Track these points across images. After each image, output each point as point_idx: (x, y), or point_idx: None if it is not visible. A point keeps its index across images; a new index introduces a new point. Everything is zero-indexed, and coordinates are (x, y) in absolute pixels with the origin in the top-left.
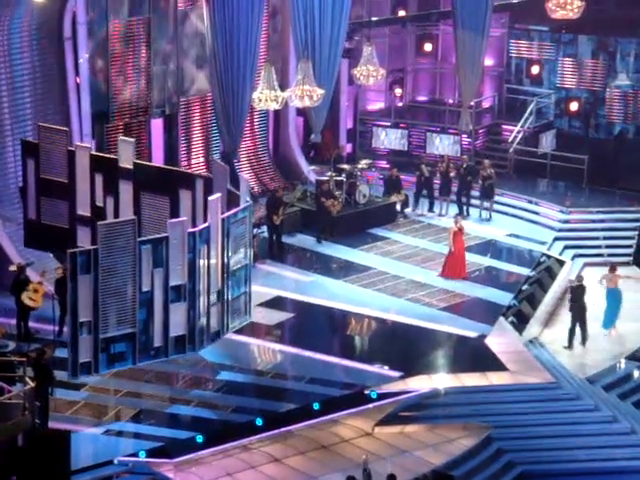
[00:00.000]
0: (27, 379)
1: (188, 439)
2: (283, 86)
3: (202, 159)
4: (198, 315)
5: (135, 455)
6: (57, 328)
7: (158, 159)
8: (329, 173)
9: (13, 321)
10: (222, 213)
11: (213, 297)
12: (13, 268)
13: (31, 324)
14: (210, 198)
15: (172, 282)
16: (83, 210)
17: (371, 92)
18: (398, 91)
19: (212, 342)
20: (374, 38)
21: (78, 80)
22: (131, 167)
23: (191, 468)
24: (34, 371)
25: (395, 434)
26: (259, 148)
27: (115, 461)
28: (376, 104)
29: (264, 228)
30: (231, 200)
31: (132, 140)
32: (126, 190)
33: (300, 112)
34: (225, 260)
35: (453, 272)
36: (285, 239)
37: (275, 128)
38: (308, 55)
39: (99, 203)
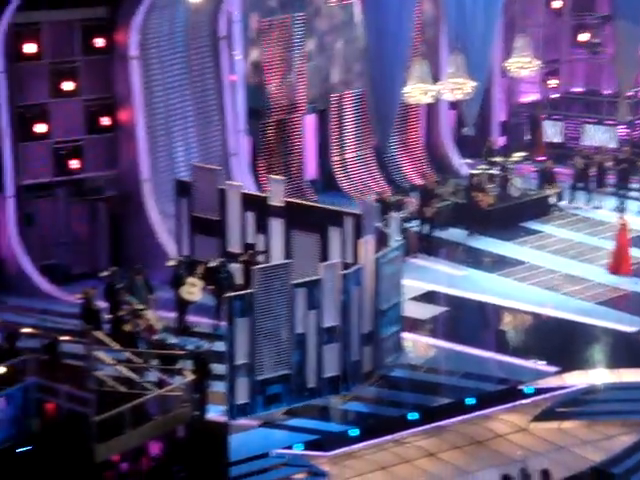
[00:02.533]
0: (186, 372)
1: (343, 432)
2: (435, 79)
3: (354, 154)
4: (351, 356)
5: (291, 448)
6: (215, 321)
7: (311, 155)
8: (481, 166)
9: (172, 315)
10: (373, 253)
11: (365, 337)
12: (171, 263)
13: (189, 317)
14: (361, 240)
15: (326, 323)
16: (233, 247)
17: (525, 84)
18: (553, 82)
19: (364, 382)
20: (528, 28)
21: (233, 78)
22: (282, 205)
23: (345, 461)
24: (193, 364)
25: (552, 430)
26: (412, 142)
27: (271, 453)
28: (530, 96)
29: (415, 222)
30: (381, 239)
31: (282, 179)
32: (276, 227)
33: (453, 105)
34: (377, 300)
35: (617, 268)
36: (437, 233)
37: (428, 122)
38: (460, 48)
39: (250, 240)
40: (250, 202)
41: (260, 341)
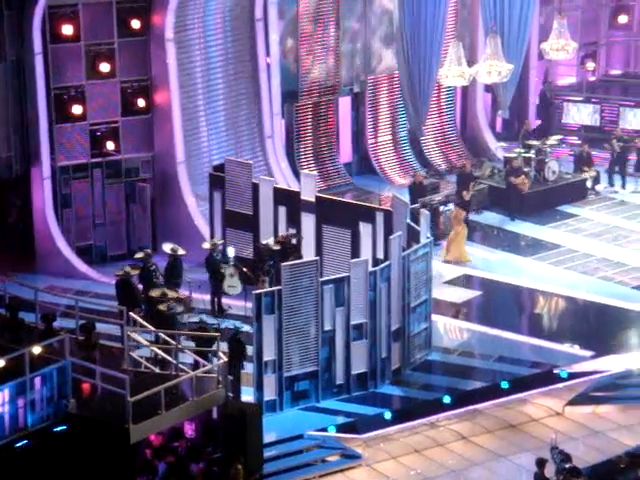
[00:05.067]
0: (221, 354)
1: (376, 415)
2: (471, 62)
3: (389, 137)
4: (379, 352)
5: (324, 430)
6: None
7: (345, 137)
8: (517, 150)
9: (207, 297)
10: (402, 250)
11: (394, 334)
12: (207, 246)
13: (224, 299)
14: (391, 237)
15: (353, 321)
16: (266, 241)
17: (562, 66)
18: (590, 65)
19: (393, 379)
20: (566, 10)
21: (268, 60)
22: (313, 200)
23: (379, 444)
24: (228, 346)
25: (587, 414)
26: (446, 125)
27: (305, 435)
28: (567, 79)
29: (450, 206)
30: (411, 236)
31: (314, 174)
32: (308, 222)
33: (488, 88)
34: (405, 297)
35: None
36: (472, 217)
37: (463, 104)
38: (497, 30)
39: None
40: (282, 197)
41: (288, 338)
